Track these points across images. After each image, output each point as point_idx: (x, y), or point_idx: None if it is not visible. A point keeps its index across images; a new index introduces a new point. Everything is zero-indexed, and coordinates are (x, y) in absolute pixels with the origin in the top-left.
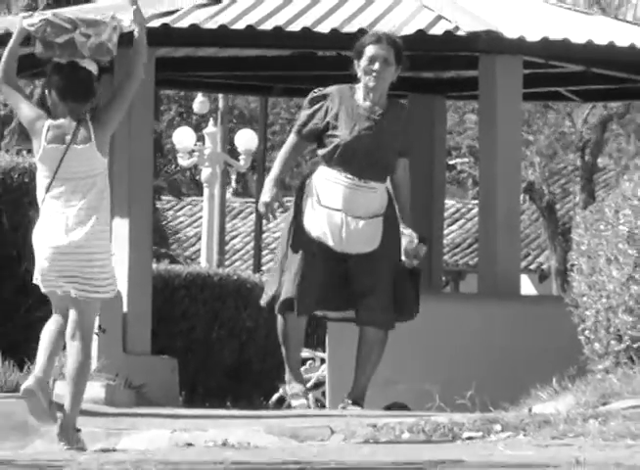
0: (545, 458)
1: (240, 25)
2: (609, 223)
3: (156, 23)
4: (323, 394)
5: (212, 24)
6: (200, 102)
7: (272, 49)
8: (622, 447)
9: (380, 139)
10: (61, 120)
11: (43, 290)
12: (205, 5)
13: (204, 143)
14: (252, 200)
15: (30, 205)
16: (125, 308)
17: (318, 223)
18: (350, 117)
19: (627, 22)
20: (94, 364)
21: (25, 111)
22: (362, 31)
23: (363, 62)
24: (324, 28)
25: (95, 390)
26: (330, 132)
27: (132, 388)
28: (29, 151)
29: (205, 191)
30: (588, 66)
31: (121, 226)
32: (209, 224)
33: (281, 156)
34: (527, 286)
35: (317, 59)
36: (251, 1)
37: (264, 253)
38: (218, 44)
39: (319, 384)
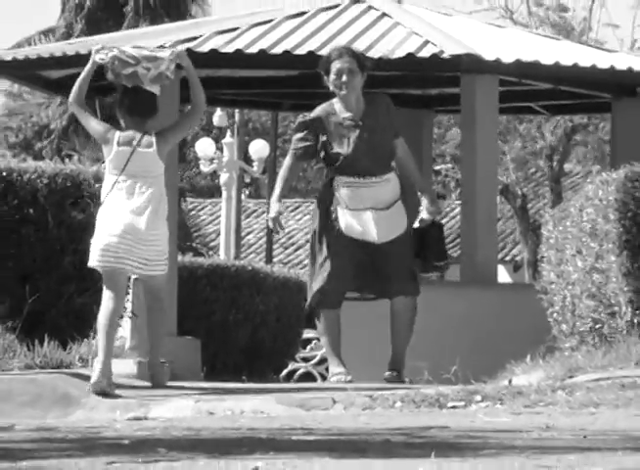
0: (519, 424)
1: (253, 50)
2: (574, 221)
3: (179, 48)
4: (326, 369)
5: (229, 49)
6: (219, 116)
7: (281, 70)
8: (586, 415)
9: (373, 138)
10: (129, 132)
11: (102, 269)
12: (220, 33)
13: (222, 152)
14: (265, 200)
15: (72, 205)
16: None
17: (353, 226)
18: (341, 133)
19: (589, 45)
20: (127, 344)
21: (95, 125)
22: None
23: (332, 76)
24: (324, 51)
25: (129, 366)
26: (331, 151)
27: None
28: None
29: (224, 193)
30: (556, 84)
31: None
32: (227, 222)
33: (281, 177)
34: (503, 275)
35: (318, 78)
36: (263, 28)
37: (275, 247)
38: (234, 66)
39: (322, 360)
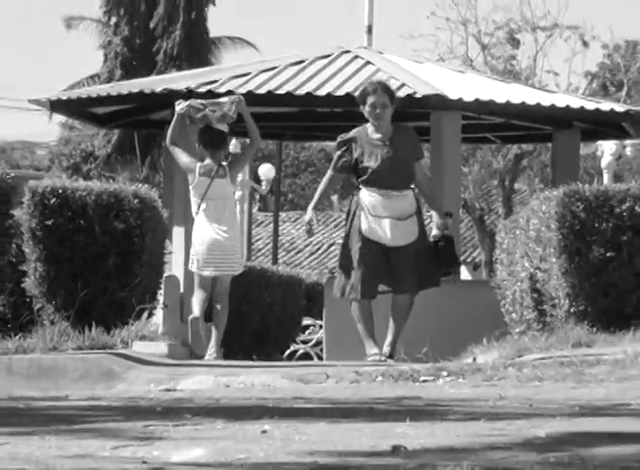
0: (478, 395)
1: (262, 91)
2: (522, 229)
3: (202, 89)
4: (321, 350)
5: (242, 90)
6: (233, 144)
7: (284, 107)
8: (532, 387)
9: (397, 158)
10: (207, 162)
11: (197, 272)
12: (235, 77)
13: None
14: (271, 214)
15: (114, 217)
16: (182, 290)
17: (373, 229)
18: (371, 150)
19: (534, 87)
20: (160, 330)
21: (185, 159)
22: (349, 95)
23: (367, 107)
24: (321, 93)
25: (160, 348)
26: (361, 165)
27: (186, 346)
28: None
29: (238, 207)
30: (507, 118)
31: (179, 232)
32: (240, 231)
33: (320, 188)
34: (465, 274)
35: (317, 113)
36: (269, 73)
37: (279, 251)
38: (247, 104)
39: (318, 343)
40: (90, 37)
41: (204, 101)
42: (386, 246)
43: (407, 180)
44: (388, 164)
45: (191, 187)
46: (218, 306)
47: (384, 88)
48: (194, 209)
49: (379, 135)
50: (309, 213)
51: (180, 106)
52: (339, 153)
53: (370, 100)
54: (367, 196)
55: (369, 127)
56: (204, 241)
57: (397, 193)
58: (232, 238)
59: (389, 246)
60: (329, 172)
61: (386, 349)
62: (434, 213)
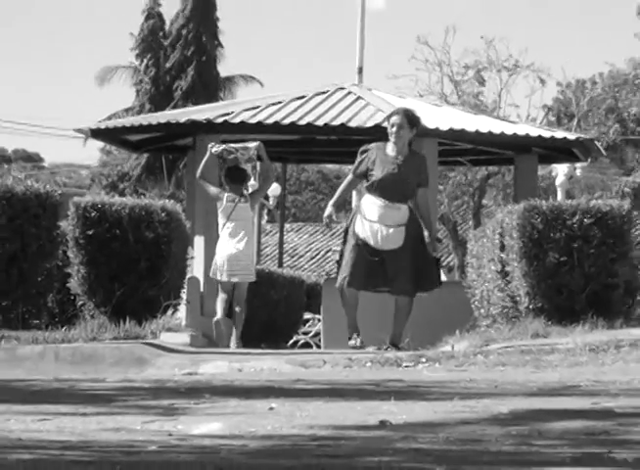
0: (451, 378)
1: (269, 121)
2: (489, 238)
3: (219, 120)
4: (319, 340)
5: (253, 121)
6: (214, 148)
7: (288, 135)
8: (497, 371)
9: (400, 176)
10: (232, 193)
11: (219, 279)
12: (246, 110)
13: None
14: (277, 224)
15: (145, 228)
16: (202, 289)
17: (364, 231)
18: (381, 163)
19: (498, 118)
20: (183, 323)
21: (213, 190)
22: (343, 125)
23: (389, 127)
24: (320, 123)
25: (184, 338)
26: (369, 173)
27: (205, 336)
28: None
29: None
30: (476, 144)
31: (200, 240)
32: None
33: (340, 188)
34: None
35: (315, 141)
36: (276, 107)
37: (284, 256)
38: (256, 132)
39: (317, 334)
40: (125, 80)
41: (235, 145)
42: (375, 248)
43: (405, 197)
44: (391, 179)
45: (219, 211)
46: (237, 309)
47: (405, 113)
48: (220, 227)
49: (393, 153)
50: (329, 209)
51: (215, 148)
52: (359, 159)
53: (391, 120)
54: (367, 201)
55: (388, 144)
56: (224, 254)
57: (392, 205)
58: (248, 252)
59: (377, 249)
60: (349, 176)
61: (389, 340)
62: (426, 234)
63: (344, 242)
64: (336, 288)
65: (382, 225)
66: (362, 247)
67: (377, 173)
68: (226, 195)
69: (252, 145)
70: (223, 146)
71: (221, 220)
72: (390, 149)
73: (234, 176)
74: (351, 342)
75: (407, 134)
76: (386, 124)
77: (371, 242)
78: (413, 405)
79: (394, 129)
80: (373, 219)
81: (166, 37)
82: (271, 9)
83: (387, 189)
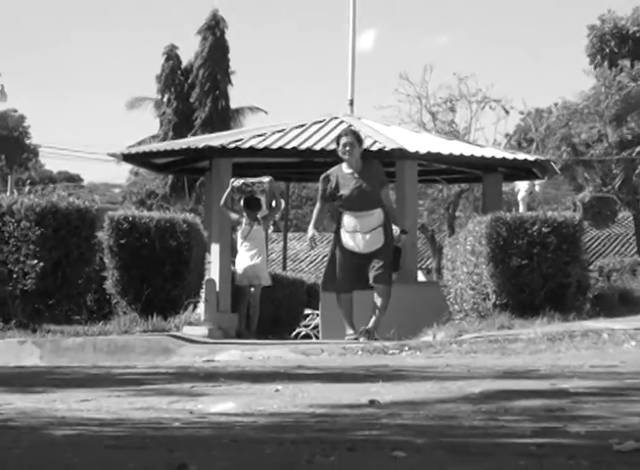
0: (430, 363)
1: (274, 146)
2: (461, 244)
3: (232, 145)
4: (318, 332)
5: (260, 146)
6: (235, 182)
7: (291, 157)
8: (469, 358)
9: (364, 187)
10: (248, 218)
11: (238, 284)
12: (254, 136)
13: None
14: (282, 234)
15: (169, 237)
16: (217, 289)
17: (348, 241)
18: (344, 182)
19: (469, 143)
20: (202, 317)
21: (234, 216)
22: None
23: (340, 147)
24: (317, 147)
25: (202, 331)
26: (338, 193)
27: (221, 329)
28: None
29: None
30: (450, 165)
31: (216, 248)
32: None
33: (314, 213)
34: (420, 277)
35: (314, 162)
36: (279, 134)
37: (287, 261)
38: (264, 156)
39: (316, 327)
40: (150, 110)
41: (251, 180)
42: (361, 253)
43: (375, 202)
44: (358, 192)
45: (238, 232)
46: (252, 310)
47: (352, 132)
48: (239, 244)
49: (350, 170)
50: (310, 232)
51: (236, 182)
52: (322, 186)
53: (341, 141)
54: (344, 216)
55: (343, 164)
56: (243, 266)
57: (366, 213)
58: (262, 265)
59: (363, 253)
60: (319, 202)
61: (370, 325)
62: (395, 228)
63: (334, 249)
64: (327, 288)
65: (361, 233)
66: (349, 255)
67: (344, 192)
68: (244, 220)
69: (266, 180)
70: (242, 180)
71: (240, 239)
72: (346, 167)
73: (250, 204)
74: (349, 333)
75: (357, 151)
76: (334, 146)
77: (357, 249)
78: (398, 387)
79: (347, 149)
80: (354, 230)
81: (183, 75)
82: (274, 50)
83: (357, 202)
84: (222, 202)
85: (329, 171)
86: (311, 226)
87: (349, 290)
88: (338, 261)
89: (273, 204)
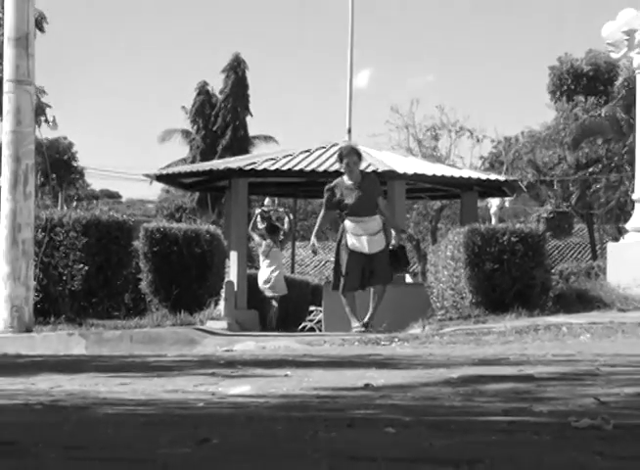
0: (416, 353)
1: (284, 168)
2: (442, 252)
3: (248, 168)
4: (321, 325)
5: (272, 168)
6: (267, 200)
7: (298, 178)
8: (449, 348)
9: (364, 197)
10: (269, 240)
11: (264, 294)
12: (267, 160)
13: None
14: (290, 242)
15: (195, 245)
16: (235, 289)
17: (354, 243)
18: (347, 192)
19: (449, 166)
20: (222, 313)
21: (258, 239)
22: (337, 171)
23: (343, 164)
24: (320, 169)
25: (222, 324)
26: (342, 203)
27: (239, 323)
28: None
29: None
30: (434, 184)
31: (234, 255)
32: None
33: (318, 222)
34: (408, 279)
35: (317, 182)
36: (288, 158)
37: (295, 266)
38: (275, 176)
39: (319, 321)
40: (180, 139)
41: (272, 208)
42: (365, 254)
43: (373, 209)
44: (359, 201)
45: (260, 251)
46: (272, 312)
47: (354, 151)
48: (261, 261)
49: (351, 182)
50: (313, 240)
51: (258, 210)
52: (327, 196)
53: (345, 160)
54: (348, 222)
55: (345, 177)
56: (264, 278)
57: (367, 218)
58: (279, 277)
59: (368, 253)
60: (322, 210)
61: (366, 319)
62: (392, 230)
63: (337, 254)
64: (331, 289)
65: (367, 235)
66: (356, 255)
67: (349, 201)
68: (265, 242)
69: (282, 210)
70: (264, 208)
71: (262, 257)
72: (347, 179)
73: (270, 229)
74: (356, 329)
75: (359, 166)
76: (335, 168)
77: (364, 250)
78: (389, 373)
79: (351, 166)
80: (359, 233)
81: (212, 108)
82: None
83: (360, 209)
84: (250, 227)
85: (333, 183)
86: (314, 235)
87: (357, 288)
88: (345, 263)
89: (286, 226)
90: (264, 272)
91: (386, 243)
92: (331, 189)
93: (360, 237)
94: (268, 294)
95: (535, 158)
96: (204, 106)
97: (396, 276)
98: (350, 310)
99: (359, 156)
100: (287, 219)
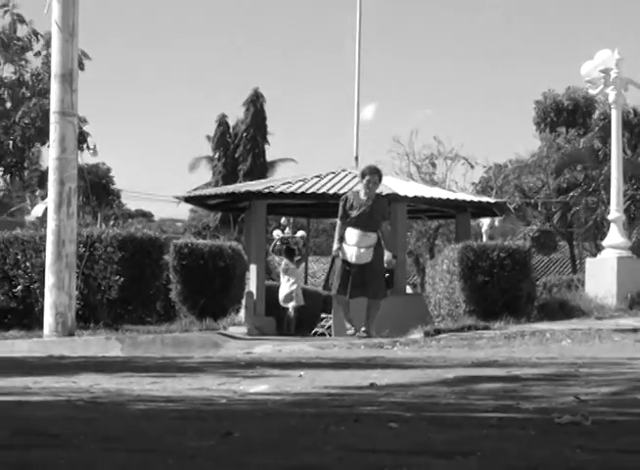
0: (415, 355)
1: (298, 191)
2: (439, 265)
3: (266, 191)
4: (331, 331)
5: (287, 191)
6: (283, 219)
7: (310, 200)
8: (445, 351)
9: (370, 214)
10: (286, 261)
11: (283, 305)
12: (283, 184)
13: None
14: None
15: (218, 259)
16: (255, 298)
17: (348, 252)
18: (357, 205)
19: (445, 189)
20: (242, 320)
21: (277, 259)
22: (345, 194)
23: (364, 182)
24: (330, 192)
25: (243, 330)
26: (349, 213)
27: (257, 329)
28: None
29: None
30: (431, 205)
31: (254, 268)
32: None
33: (337, 231)
34: (408, 290)
35: (328, 203)
36: (302, 182)
37: (308, 278)
38: (290, 198)
39: (329, 327)
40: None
41: (289, 235)
42: (353, 263)
43: (374, 228)
44: (365, 217)
45: (280, 269)
46: (289, 319)
47: (376, 171)
48: (281, 277)
49: (365, 198)
50: (336, 245)
51: (275, 232)
52: (341, 204)
53: (367, 178)
54: (349, 232)
55: (360, 191)
56: (284, 292)
57: (365, 233)
58: (296, 290)
59: (354, 263)
60: (338, 221)
61: (362, 331)
62: (387, 253)
63: (333, 261)
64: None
65: (358, 247)
66: (344, 264)
67: (354, 213)
68: (283, 261)
69: (299, 235)
70: (283, 235)
71: (281, 274)
72: (363, 194)
73: (288, 252)
74: (349, 331)
75: (377, 185)
76: (345, 191)
77: (352, 260)
78: (391, 373)
79: (371, 185)
80: (352, 244)
81: (231, 137)
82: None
83: (361, 223)
84: (271, 249)
85: (348, 194)
86: (336, 241)
87: (344, 293)
88: (336, 269)
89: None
90: (284, 287)
91: (372, 258)
92: (345, 199)
93: (352, 247)
94: (288, 305)
95: (522, 182)
96: (224, 135)
97: (396, 287)
98: (344, 315)
99: (380, 178)
100: (302, 244)
